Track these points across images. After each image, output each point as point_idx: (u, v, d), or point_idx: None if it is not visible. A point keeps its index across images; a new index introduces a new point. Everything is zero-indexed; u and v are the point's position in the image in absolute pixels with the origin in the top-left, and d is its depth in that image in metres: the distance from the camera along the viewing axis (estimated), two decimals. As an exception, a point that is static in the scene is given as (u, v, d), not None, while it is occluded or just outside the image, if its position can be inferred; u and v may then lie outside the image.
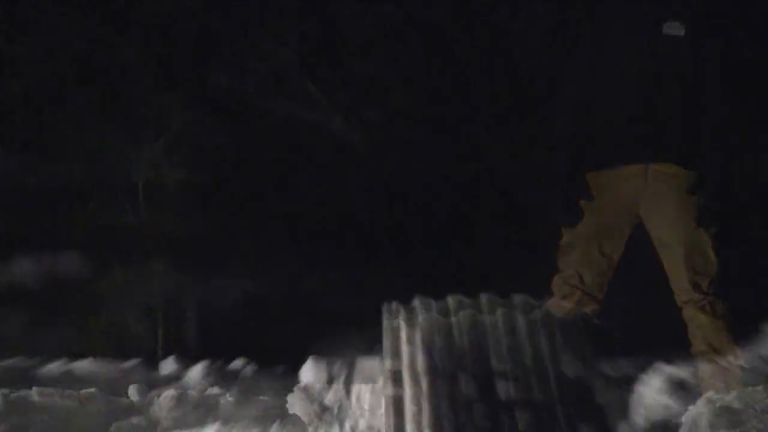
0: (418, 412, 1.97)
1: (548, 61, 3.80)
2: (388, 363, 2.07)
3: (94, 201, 4.10)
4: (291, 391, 2.67)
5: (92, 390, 2.32)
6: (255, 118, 4.33)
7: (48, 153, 4.04)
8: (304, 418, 2.54)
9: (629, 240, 2.70)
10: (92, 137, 4.12)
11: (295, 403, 2.61)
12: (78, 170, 4.05)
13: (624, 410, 2.43)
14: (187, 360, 2.95)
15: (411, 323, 2.12)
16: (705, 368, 2.46)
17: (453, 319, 2.11)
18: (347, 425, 2.44)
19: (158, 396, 2.44)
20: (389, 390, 2.02)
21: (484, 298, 2.15)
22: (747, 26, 4.18)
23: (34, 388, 2.31)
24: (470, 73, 4.27)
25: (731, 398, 2.07)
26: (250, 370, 2.94)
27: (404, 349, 2.08)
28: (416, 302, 2.17)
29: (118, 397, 2.40)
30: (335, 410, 2.61)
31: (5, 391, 2.34)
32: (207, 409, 2.53)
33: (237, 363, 2.95)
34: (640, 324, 3.13)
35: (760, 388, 2.06)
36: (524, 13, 4.43)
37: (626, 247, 2.68)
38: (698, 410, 2.08)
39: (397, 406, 2.00)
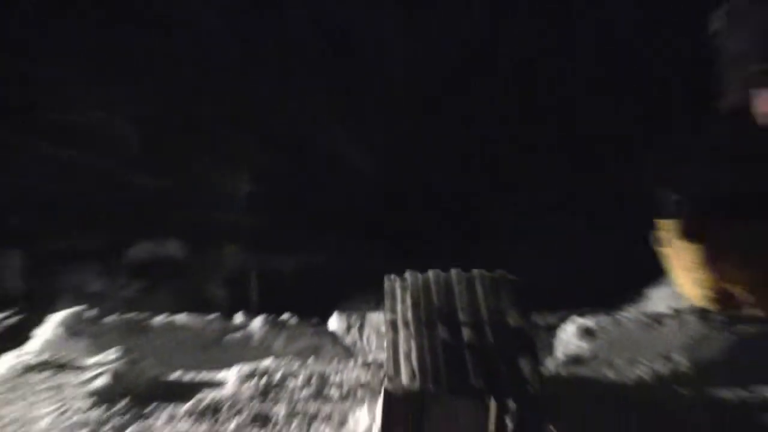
0: (408, 350, 2.46)
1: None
2: (388, 316, 2.61)
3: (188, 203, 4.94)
4: (323, 336, 3.31)
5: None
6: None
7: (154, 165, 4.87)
8: (331, 354, 3.10)
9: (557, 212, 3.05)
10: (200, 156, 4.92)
11: (325, 343, 3.24)
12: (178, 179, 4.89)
13: (549, 349, 3.01)
14: (251, 314, 3.42)
15: (404, 288, 2.68)
16: None
17: (432, 285, 2.67)
18: (360, 359, 2.97)
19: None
20: (389, 334, 2.53)
21: (453, 271, 2.71)
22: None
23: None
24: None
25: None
26: (294, 320, 3.43)
27: (399, 306, 2.63)
28: (408, 274, 2.73)
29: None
30: (352, 348, 3.25)
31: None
32: (264, 348, 3.13)
33: (285, 316, 3.44)
34: (561, 285, 3.55)
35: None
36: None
37: (555, 216, 3.07)
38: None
39: (394, 345, 2.49)
